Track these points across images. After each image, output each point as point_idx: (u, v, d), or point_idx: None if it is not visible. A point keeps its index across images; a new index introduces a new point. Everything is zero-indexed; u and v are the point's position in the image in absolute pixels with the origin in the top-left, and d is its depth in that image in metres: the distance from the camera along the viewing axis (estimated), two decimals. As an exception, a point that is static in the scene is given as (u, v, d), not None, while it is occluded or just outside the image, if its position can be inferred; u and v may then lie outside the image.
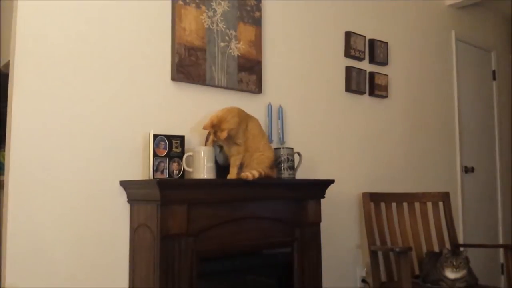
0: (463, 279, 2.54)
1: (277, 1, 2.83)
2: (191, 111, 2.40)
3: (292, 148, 2.56)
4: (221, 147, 2.31)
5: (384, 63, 3.39)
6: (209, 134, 2.33)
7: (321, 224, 2.55)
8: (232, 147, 2.24)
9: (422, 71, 3.77)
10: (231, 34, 2.53)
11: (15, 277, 1.85)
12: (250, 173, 2.19)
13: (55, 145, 1.98)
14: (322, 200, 2.56)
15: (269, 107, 2.69)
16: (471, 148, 4.19)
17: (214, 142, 2.22)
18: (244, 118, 2.30)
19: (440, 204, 3.15)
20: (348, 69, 3.17)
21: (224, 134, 2.15)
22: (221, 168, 2.30)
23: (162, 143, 2.14)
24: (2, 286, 1.85)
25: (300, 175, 2.69)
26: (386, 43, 3.42)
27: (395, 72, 3.51)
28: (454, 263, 2.53)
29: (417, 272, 2.95)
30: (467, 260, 2.59)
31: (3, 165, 2.05)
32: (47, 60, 1.99)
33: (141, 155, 2.21)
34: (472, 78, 4.31)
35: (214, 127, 2.17)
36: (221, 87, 2.50)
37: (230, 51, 2.52)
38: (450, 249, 2.63)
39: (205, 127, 2.20)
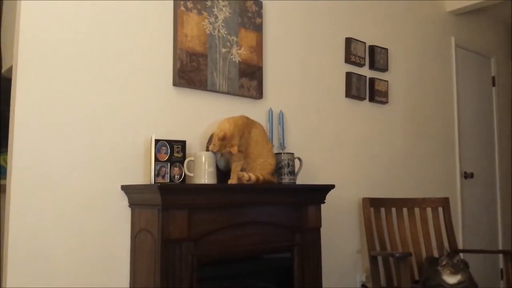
0: (463, 284, 2.54)
1: (278, 8, 2.85)
2: (192, 117, 2.42)
3: (292, 153, 2.58)
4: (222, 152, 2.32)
5: (384, 69, 3.41)
6: (209, 140, 2.35)
7: (321, 229, 2.56)
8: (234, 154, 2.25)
9: (422, 77, 3.79)
10: (233, 40, 2.55)
11: (16, 280, 1.86)
12: (247, 175, 2.21)
13: (56, 149, 1.99)
14: (322, 205, 2.56)
15: (270, 113, 2.70)
16: (471, 154, 4.20)
17: (218, 151, 2.23)
18: (247, 125, 2.32)
19: (440, 209, 3.15)
20: (348, 75, 3.19)
21: (235, 149, 2.18)
22: (222, 173, 2.31)
23: (164, 148, 2.15)
24: (3, 289, 1.86)
25: (301, 180, 2.70)
26: (386, 49, 3.43)
27: (395, 78, 3.53)
28: (451, 266, 2.53)
29: (416, 277, 2.95)
30: (465, 263, 2.59)
31: (5, 169, 2.06)
32: (50, 65, 2.00)
33: (142, 160, 2.22)
34: (471, 84, 4.32)
35: (225, 141, 2.18)
36: (222, 92, 2.51)
37: (231, 57, 2.54)
38: (447, 252, 2.62)
39: (218, 138, 2.19)
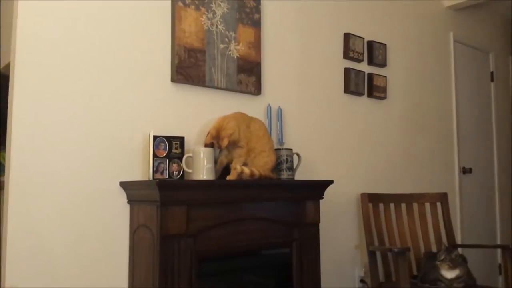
0: (461, 279, 2.55)
1: (276, 3, 2.84)
2: (190, 112, 2.41)
3: (291, 149, 2.58)
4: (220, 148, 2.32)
5: (383, 64, 3.41)
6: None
7: (320, 224, 2.56)
8: (235, 150, 2.25)
9: (421, 72, 3.79)
10: (231, 35, 2.54)
11: (15, 278, 1.86)
12: (240, 167, 2.21)
13: (55, 146, 1.99)
14: (321, 200, 2.57)
15: (268, 108, 2.70)
16: (469, 149, 4.21)
17: (220, 149, 2.24)
18: (242, 119, 2.32)
19: (438, 204, 3.16)
20: (347, 71, 3.19)
21: (225, 142, 2.17)
22: (223, 169, 2.31)
23: (162, 144, 2.15)
24: (2, 286, 1.86)
25: (299, 175, 2.70)
26: (385, 44, 3.43)
27: (393, 73, 3.53)
28: (449, 261, 2.54)
29: (415, 272, 2.96)
30: (463, 258, 2.60)
31: (3, 166, 2.06)
32: (47, 61, 2.00)
33: (141, 156, 2.22)
34: (470, 79, 4.32)
35: (215, 139, 2.19)
36: (220, 88, 2.51)
37: (229, 52, 2.53)
38: (445, 247, 2.63)
39: (206, 142, 2.23)
